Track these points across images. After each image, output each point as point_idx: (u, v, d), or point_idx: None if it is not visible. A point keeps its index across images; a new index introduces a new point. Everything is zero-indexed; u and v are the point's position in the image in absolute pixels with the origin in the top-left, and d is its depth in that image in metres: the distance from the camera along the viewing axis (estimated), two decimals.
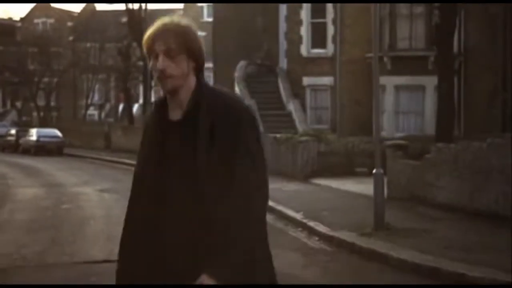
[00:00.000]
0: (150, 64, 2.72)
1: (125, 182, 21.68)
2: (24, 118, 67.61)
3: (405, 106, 26.22)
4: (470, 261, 8.05)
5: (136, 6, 38.03)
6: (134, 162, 14.15)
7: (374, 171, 11.32)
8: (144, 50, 2.71)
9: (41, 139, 41.19)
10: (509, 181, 11.02)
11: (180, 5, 69.48)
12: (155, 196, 2.69)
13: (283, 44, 29.98)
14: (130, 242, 2.76)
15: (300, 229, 12.37)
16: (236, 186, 2.59)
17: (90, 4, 76.42)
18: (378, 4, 13.63)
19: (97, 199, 18.34)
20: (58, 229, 13.20)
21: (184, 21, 2.77)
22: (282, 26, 29.87)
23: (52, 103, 61.67)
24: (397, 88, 25.51)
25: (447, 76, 18.18)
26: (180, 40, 2.68)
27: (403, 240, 9.80)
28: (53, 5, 75.62)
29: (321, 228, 11.55)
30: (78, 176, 25.61)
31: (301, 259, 9.39)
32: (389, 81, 25.16)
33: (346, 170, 20.55)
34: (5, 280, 8.94)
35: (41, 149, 40.21)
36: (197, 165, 2.62)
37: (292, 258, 9.39)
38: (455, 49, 23.30)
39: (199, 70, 2.77)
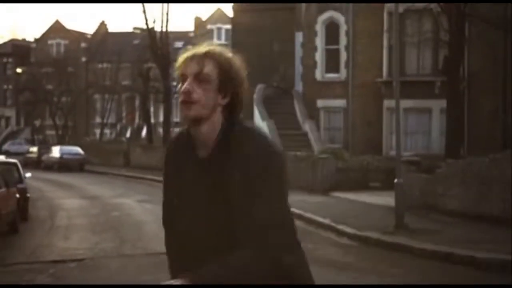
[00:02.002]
0: (179, 88, 2.44)
1: (156, 195, 23.91)
2: (38, 136, 69.78)
3: (413, 127, 28.18)
4: (476, 248, 10.18)
5: (157, 28, 40.05)
6: (155, 177, 17.70)
7: (395, 180, 13.40)
8: (176, 72, 2.48)
9: (64, 156, 43.18)
10: (508, 189, 13.13)
11: (191, 28, 71.55)
12: (176, 229, 2.57)
13: (299, 69, 31.90)
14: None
15: (329, 231, 14.43)
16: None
17: (103, 26, 78.59)
18: (387, 33, 15.62)
19: (139, 208, 20.35)
20: (119, 231, 15.24)
21: (227, 51, 2.49)
22: (298, 52, 31.81)
23: (60, 122, 63.39)
24: (406, 110, 27.35)
25: (455, 101, 20.31)
26: (215, 68, 2.41)
27: (420, 236, 11.91)
28: (67, 26, 77.68)
29: (348, 229, 13.59)
30: (110, 189, 27.50)
31: (339, 250, 11.48)
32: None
33: (361, 185, 22.56)
34: (96, 266, 10.97)
35: (64, 165, 42.07)
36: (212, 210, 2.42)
37: (331, 250, 11.49)
38: (460, 73, 25.41)
39: (231, 112, 2.46)
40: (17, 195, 15.47)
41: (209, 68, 2.39)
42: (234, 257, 2.29)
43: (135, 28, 46.18)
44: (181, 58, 2.45)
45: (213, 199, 2.42)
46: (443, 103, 23.42)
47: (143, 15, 39.75)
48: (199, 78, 2.39)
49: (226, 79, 2.40)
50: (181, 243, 2.54)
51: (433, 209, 15.06)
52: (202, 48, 2.44)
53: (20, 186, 16.56)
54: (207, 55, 2.41)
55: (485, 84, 27.25)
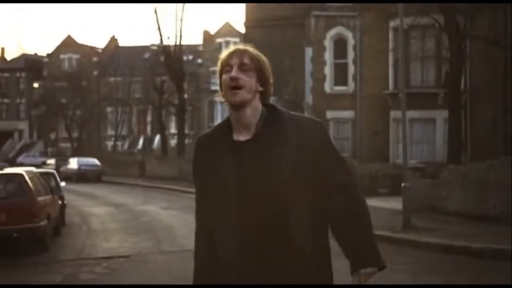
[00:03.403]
0: (222, 77, 2.82)
1: (178, 202, 25.82)
2: (51, 149, 71.48)
3: (418, 136, 29.62)
4: (474, 240, 11.76)
5: (171, 42, 41.70)
6: (172, 187, 20.04)
7: (402, 184, 14.98)
8: (219, 66, 2.84)
9: (82, 167, 44.85)
10: (504, 192, 14.71)
11: (200, 41, 73.03)
12: (241, 217, 2.73)
13: (308, 82, 33.43)
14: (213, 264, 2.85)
15: None
16: (343, 186, 2.79)
17: (114, 40, 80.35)
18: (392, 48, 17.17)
19: (165, 213, 21.90)
20: (153, 233, 16.80)
21: (261, 53, 2.88)
22: (308, 66, 33.36)
23: (75, 135, 64.82)
24: (411, 120, 28.72)
25: (456, 112, 21.92)
26: (253, 59, 2.81)
27: (425, 233, 13.49)
28: (79, 41, 79.35)
29: None
30: (131, 198, 28.96)
31: None
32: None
33: (370, 191, 24.03)
34: (143, 260, 12.53)
35: (82, 176, 43.65)
36: (283, 173, 2.69)
37: None
38: (462, 86, 26.93)
39: (266, 97, 2.86)
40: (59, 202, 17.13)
41: (248, 60, 2.79)
42: (356, 203, 2.83)
43: (152, 45, 47.76)
44: (225, 52, 2.85)
45: (269, 170, 2.70)
46: (446, 113, 24.93)
47: (157, 32, 41.52)
48: (242, 67, 2.77)
49: (261, 70, 2.81)
50: (237, 228, 2.74)
51: (437, 210, 16.60)
52: (240, 46, 2.86)
53: (59, 194, 18.20)
54: (245, 51, 2.82)
55: (486, 95, 28.70)
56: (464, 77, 27.72)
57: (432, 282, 9.37)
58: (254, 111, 2.79)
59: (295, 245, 2.70)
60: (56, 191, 17.51)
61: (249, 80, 2.77)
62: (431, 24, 25.97)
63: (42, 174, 17.79)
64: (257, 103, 2.81)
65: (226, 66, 2.80)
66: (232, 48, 2.86)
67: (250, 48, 2.85)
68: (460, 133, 23.02)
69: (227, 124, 2.86)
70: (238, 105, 2.77)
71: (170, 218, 20.22)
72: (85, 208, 24.20)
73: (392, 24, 29.19)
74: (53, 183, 19.02)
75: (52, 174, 19.77)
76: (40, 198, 13.97)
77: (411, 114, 28.61)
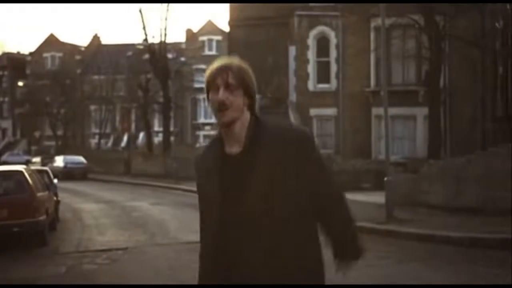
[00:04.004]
0: (209, 96, 2.91)
1: (166, 198, 26.49)
2: (34, 147, 71.69)
3: (399, 133, 30.37)
4: (453, 230, 12.54)
5: (156, 41, 42.29)
6: (158, 183, 20.98)
7: (385, 178, 15.73)
8: (205, 84, 2.92)
9: (68, 165, 45.25)
10: (481, 185, 15.52)
11: (183, 39, 73.47)
12: (225, 224, 2.85)
13: (292, 80, 34.14)
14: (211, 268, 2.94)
15: None
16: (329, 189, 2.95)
17: (96, 38, 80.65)
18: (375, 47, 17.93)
19: (155, 209, 22.49)
20: (146, 227, 17.40)
21: (243, 63, 2.94)
22: (292, 64, 34.08)
23: (59, 133, 65.05)
24: (392, 117, 29.51)
25: (435, 109, 22.76)
26: (238, 77, 2.86)
27: (407, 224, 14.26)
28: (62, 39, 79.56)
29: None
30: (121, 195, 29.51)
31: None
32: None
33: (353, 186, 24.75)
34: (141, 252, 13.16)
35: (68, 174, 43.96)
36: (264, 185, 2.81)
37: None
38: (442, 84, 27.77)
39: (252, 107, 2.93)
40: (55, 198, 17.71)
41: (234, 79, 2.85)
42: (344, 219, 3.00)
43: (138, 44, 48.26)
44: (209, 69, 2.92)
45: (265, 182, 2.80)
46: (426, 110, 25.80)
47: (143, 31, 42.04)
48: (229, 88, 2.85)
49: (248, 84, 2.90)
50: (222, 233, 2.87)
51: (418, 203, 17.38)
52: (224, 62, 2.91)
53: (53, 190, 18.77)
54: (229, 68, 2.87)
55: (465, 93, 29.59)
56: (444, 75, 28.56)
57: (415, 268, 10.11)
58: (242, 125, 2.89)
59: (274, 250, 2.80)
60: (51, 187, 18.06)
61: (235, 100, 2.86)
62: (412, 24, 26.76)
63: (36, 171, 18.31)
64: (245, 116, 2.91)
65: (213, 86, 2.88)
66: (215, 64, 2.93)
67: (233, 63, 2.91)
68: (439, 129, 23.88)
69: (219, 138, 2.97)
70: (228, 124, 2.88)
71: (161, 213, 20.81)
72: (76, 205, 24.62)
73: (373, 24, 29.98)
74: (46, 180, 19.57)
75: (46, 171, 20.34)
76: (39, 194, 14.55)
77: (393, 111, 29.25)
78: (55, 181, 21.54)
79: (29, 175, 14.66)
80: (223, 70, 2.88)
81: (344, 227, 2.99)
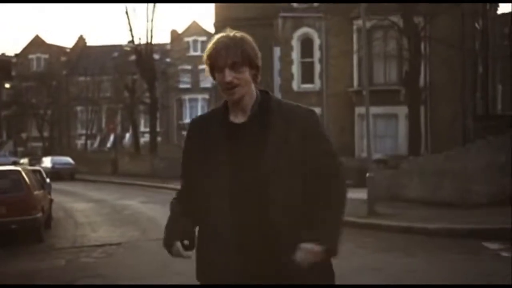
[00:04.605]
0: (215, 76, 2.87)
1: (155, 197, 27.17)
2: (20, 149, 71.95)
3: (381, 131, 31.19)
4: (431, 222, 13.31)
5: (142, 42, 42.89)
6: (146, 183, 21.56)
7: (367, 175, 16.47)
8: (206, 65, 2.87)
9: (56, 166, 45.71)
10: (458, 180, 16.31)
11: (168, 40, 74.00)
12: (230, 193, 2.82)
13: (277, 80, 34.86)
14: (208, 237, 2.90)
15: None
16: (327, 169, 2.91)
17: (82, 40, 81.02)
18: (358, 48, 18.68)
19: (145, 207, 23.09)
20: (137, 224, 18.01)
21: (239, 33, 2.90)
22: (276, 65, 34.82)
23: (45, 134, 65.34)
24: (375, 116, 30.26)
25: (415, 109, 23.59)
26: (241, 53, 2.83)
27: (388, 217, 15.02)
28: (47, 41, 79.88)
29: None
30: (110, 194, 29.98)
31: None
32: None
33: None
34: (135, 246, 13.80)
35: (56, 175, 44.36)
36: (268, 160, 2.79)
37: None
38: (422, 83, 28.59)
39: (257, 76, 2.93)
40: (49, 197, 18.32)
41: (236, 56, 2.81)
42: (334, 194, 2.92)
43: (125, 46, 48.81)
44: (209, 51, 2.87)
45: (258, 151, 2.80)
46: (407, 109, 26.61)
47: (129, 33, 42.61)
48: (233, 67, 2.82)
49: (251, 56, 2.88)
50: (226, 203, 2.83)
51: (398, 198, 18.14)
52: (221, 41, 2.86)
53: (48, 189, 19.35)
54: (229, 45, 2.83)
55: (445, 92, 30.45)
56: (424, 74, 29.40)
57: (392, 256, 10.84)
58: (250, 97, 2.90)
59: (271, 225, 2.78)
60: (46, 186, 18.64)
61: (243, 77, 2.84)
62: (393, 25, 27.57)
63: (32, 171, 18.88)
64: (252, 88, 2.92)
65: (216, 67, 2.85)
66: (215, 43, 2.87)
67: (233, 40, 2.87)
68: (419, 127, 24.72)
69: (224, 106, 2.95)
70: (238, 100, 2.87)
71: (151, 211, 21.41)
72: (66, 204, 25.08)
73: (355, 25, 30.73)
74: (40, 179, 20.13)
75: (39, 171, 20.90)
76: (35, 193, 15.16)
77: (375, 110, 30.10)
78: (47, 180, 22.10)
79: (26, 174, 15.27)
80: (224, 49, 2.83)
81: (332, 207, 2.89)
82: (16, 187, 14.70)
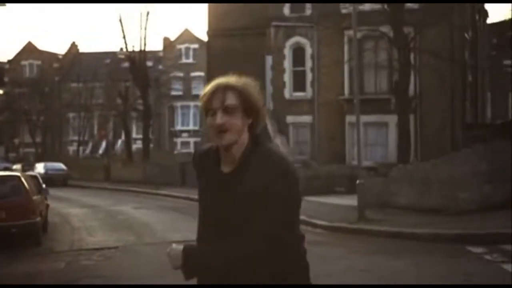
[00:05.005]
0: (207, 120, 2.76)
1: (148, 203, 27.59)
2: (12, 154, 72.12)
3: (372, 139, 31.71)
4: (418, 228, 13.79)
5: (136, 48, 43.36)
6: (138, 189, 22.46)
7: (357, 181, 16.95)
8: (201, 107, 2.79)
9: (49, 172, 45.98)
10: (444, 187, 16.82)
11: (160, 47, 74.38)
12: (212, 241, 2.79)
13: (269, 89, 35.22)
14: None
15: (304, 225, 17.78)
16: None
17: (74, 46, 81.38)
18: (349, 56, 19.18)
19: (139, 213, 23.49)
20: (133, 229, 18.41)
21: (243, 80, 2.79)
22: (268, 73, 35.21)
23: (38, 140, 65.48)
24: (365, 124, 30.59)
25: (404, 118, 24.13)
26: (237, 98, 2.71)
27: (378, 223, 15.49)
28: (40, 47, 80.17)
29: (321, 222, 17.04)
30: (104, 200, 30.34)
31: (316, 236, 14.94)
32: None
33: (328, 190, 26.07)
34: (131, 250, 14.20)
35: (49, 181, 44.61)
36: (235, 216, 2.72)
37: (310, 236, 14.93)
38: (412, 92, 29.15)
39: (254, 127, 2.80)
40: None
41: (231, 99, 2.70)
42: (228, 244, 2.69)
43: (119, 53, 49.24)
44: (205, 92, 2.77)
45: (234, 207, 2.72)
46: (397, 118, 27.07)
47: (123, 40, 43.05)
48: (226, 110, 2.70)
49: (249, 104, 2.73)
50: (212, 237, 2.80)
51: (387, 205, 18.62)
52: (219, 82, 2.76)
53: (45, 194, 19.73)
54: (227, 88, 2.73)
55: (434, 101, 30.99)
56: (414, 84, 29.96)
57: (381, 259, 11.31)
58: (240, 147, 2.78)
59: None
60: (43, 191, 19.02)
61: (235, 123, 2.73)
62: (383, 35, 28.11)
63: (29, 177, 19.25)
64: (244, 137, 2.78)
65: (210, 109, 2.76)
66: (211, 86, 2.79)
67: (231, 83, 2.77)
68: (408, 136, 25.23)
69: (217, 150, 2.88)
70: (227, 148, 2.78)
71: (145, 216, 21.83)
72: (61, 210, 25.41)
73: (347, 35, 31.26)
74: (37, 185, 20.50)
75: (36, 177, 21.26)
76: (34, 197, 15.57)
77: (365, 118, 30.62)
78: (43, 185, 22.47)
79: (25, 179, 15.68)
80: (220, 91, 2.75)
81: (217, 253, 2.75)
82: (16, 192, 15.10)
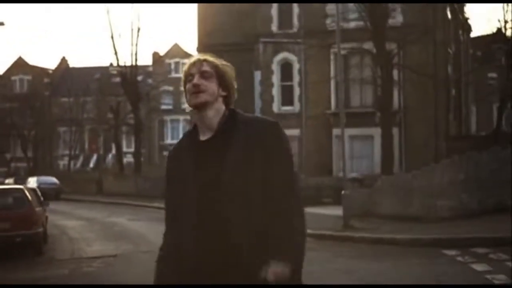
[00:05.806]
0: (187, 86, 2.96)
1: (142, 215, 28.49)
2: (3, 169, 72.59)
3: (357, 152, 32.71)
4: (400, 234, 14.80)
5: (127, 63, 44.36)
6: (131, 202, 23.41)
7: (343, 192, 17.92)
8: (183, 77, 3.01)
9: (41, 185, 46.63)
10: (424, 196, 17.84)
11: (149, 62, 75.15)
12: (196, 212, 2.85)
13: (258, 103, 36.28)
14: (173, 249, 3.02)
15: None
16: (280, 185, 2.86)
17: (64, 61, 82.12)
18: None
19: (134, 224, 24.27)
20: (129, 239, 19.24)
21: (222, 60, 3.04)
22: (257, 88, 36.26)
23: (29, 154, 66.15)
24: (351, 137, 31.40)
25: (387, 131, 25.24)
26: (213, 67, 2.97)
27: (361, 231, 16.47)
28: (30, 62, 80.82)
29: (310, 230, 17.82)
30: (98, 212, 31.00)
31: (307, 243, 15.84)
32: (344, 132, 31.70)
33: (316, 201, 26.97)
34: (130, 258, 15.06)
35: (42, 195, 45.27)
36: (226, 179, 2.81)
37: None
38: (397, 106, 30.22)
39: (229, 101, 3.00)
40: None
41: (208, 67, 2.96)
42: (295, 213, 2.90)
43: (111, 68, 50.14)
44: (187, 63, 3.03)
45: (218, 163, 2.84)
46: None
47: (115, 56, 43.98)
48: (203, 75, 2.94)
49: (222, 76, 2.96)
50: (194, 215, 2.85)
51: (371, 214, 19.56)
52: (200, 56, 3.04)
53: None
54: (205, 60, 2.99)
55: (418, 114, 32.08)
56: (398, 98, 31.06)
57: (364, 263, 12.26)
58: (216, 113, 2.96)
59: (232, 246, 2.80)
60: (43, 203, 19.86)
61: (209, 85, 2.94)
62: (367, 51, 29.21)
63: (30, 189, 20.08)
64: (220, 106, 2.97)
65: (189, 76, 2.97)
66: (193, 58, 3.05)
67: (209, 57, 3.02)
68: (391, 148, 26.30)
69: (194, 128, 3.03)
70: (199, 107, 2.95)
71: (140, 228, 22.62)
72: (57, 222, 26.02)
73: (333, 52, 32.30)
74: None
75: (35, 190, 22.08)
76: (37, 209, 16.45)
77: (351, 131, 31.64)
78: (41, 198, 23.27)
79: (28, 192, 16.56)
80: (199, 61, 3.00)
81: (285, 223, 2.85)
82: (20, 204, 15.96)
